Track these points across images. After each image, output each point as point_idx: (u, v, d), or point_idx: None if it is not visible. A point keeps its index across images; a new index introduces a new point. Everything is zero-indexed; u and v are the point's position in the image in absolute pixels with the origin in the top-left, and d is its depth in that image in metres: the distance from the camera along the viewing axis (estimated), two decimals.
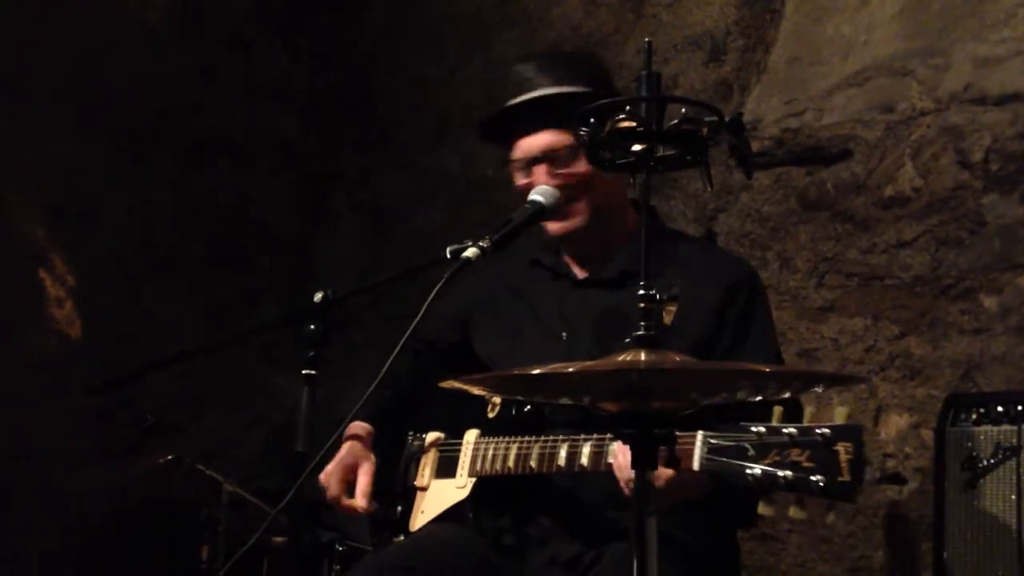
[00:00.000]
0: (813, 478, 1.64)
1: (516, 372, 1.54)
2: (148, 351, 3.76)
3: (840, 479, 1.62)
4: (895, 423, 2.99)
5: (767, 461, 1.69)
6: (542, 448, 2.09)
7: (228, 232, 4.24)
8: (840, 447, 1.63)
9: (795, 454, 1.66)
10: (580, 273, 2.30)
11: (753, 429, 1.72)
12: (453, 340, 2.44)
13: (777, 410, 1.73)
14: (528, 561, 2.16)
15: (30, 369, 3.68)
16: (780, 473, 1.67)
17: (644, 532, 1.48)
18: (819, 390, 1.63)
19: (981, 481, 2.41)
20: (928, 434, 2.84)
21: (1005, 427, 2.40)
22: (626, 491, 1.95)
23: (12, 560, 3.59)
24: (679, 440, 1.81)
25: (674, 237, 2.36)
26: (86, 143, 3.86)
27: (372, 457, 2.31)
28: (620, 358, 1.47)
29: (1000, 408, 2.43)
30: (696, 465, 1.80)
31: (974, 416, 2.46)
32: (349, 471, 2.27)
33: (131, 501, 3.75)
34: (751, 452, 1.71)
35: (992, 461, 2.40)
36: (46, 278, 3.78)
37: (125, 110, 3.97)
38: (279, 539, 3.17)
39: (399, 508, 2.37)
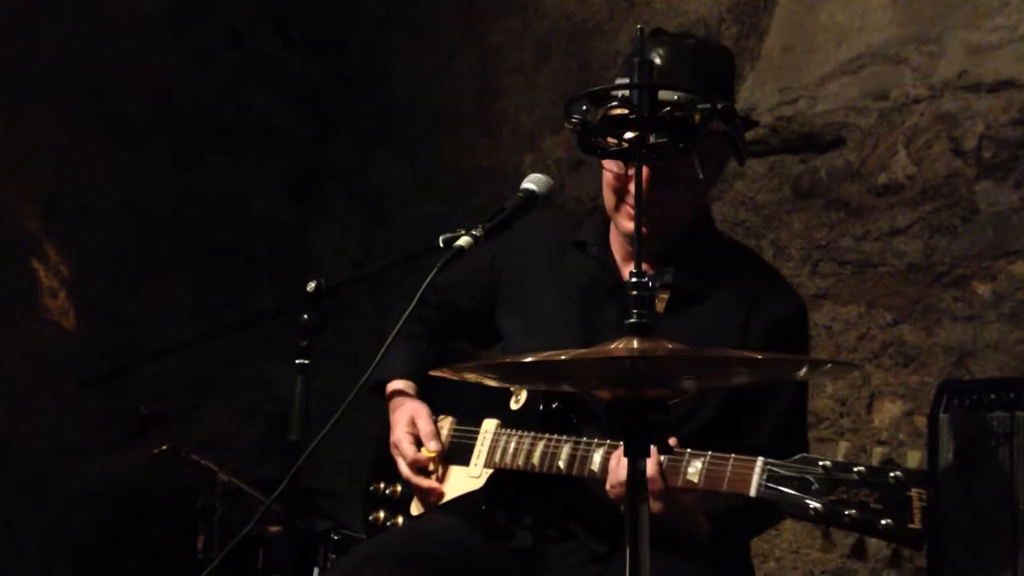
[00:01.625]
0: (882, 521, 1.60)
1: (509, 359, 1.54)
2: (144, 341, 3.77)
3: (911, 526, 1.58)
4: (888, 410, 3.00)
5: (832, 497, 1.64)
6: (573, 449, 2.01)
7: (224, 222, 4.24)
8: (914, 493, 1.59)
9: (863, 494, 1.62)
10: (626, 274, 2.13)
11: (820, 463, 1.67)
12: (474, 307, 2.34)
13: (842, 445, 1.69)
14: (548, 558, 2.10)
15: (25, 360, 3.68)
16: (845, 511, 1.62)
17: (637, 520, 1.47)
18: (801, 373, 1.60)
19: (974, 468, 2.41)
20: (921, 421, 2.85)
21: (998, 414, 2.40)
22: (610, 491, 1.92)
23: (8, 550, 3.60)
24: (737, 463, 1.79)
25: (727, 251, 2.23)
26: (80, 133, 3.86)
27: (422, 404, 2.27)
28: (612, 345, 1.47)
29: (993, 395, 2.43)
30: (753, 491, 1.76)
31: (967, 403, 2.46)
32: (411, 426, 2.23)
33: (127, 491, 3.75)
34: (815, 486, 1.66)
35: (985, 448, 2.41)
36: (39, 268, 3.78)
37: (119, 100, 3.96)
38: (274, 528, 3.17)
39: (400, 487, 2.30)
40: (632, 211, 2.05)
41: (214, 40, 4.29)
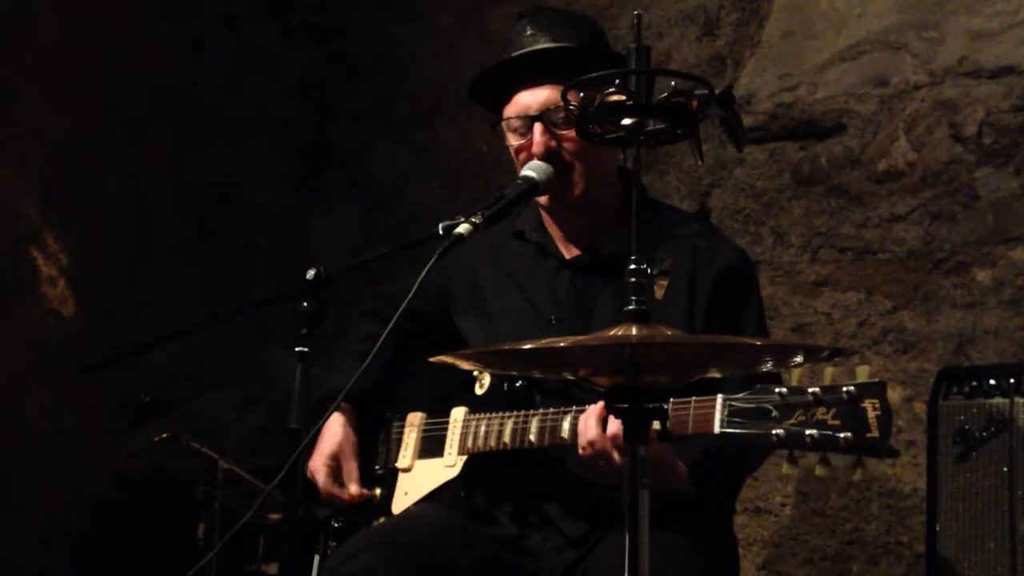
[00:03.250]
0: (841, 435, 1.64)
1: (507, 347, 1.54)
2: (143, 329, 3.76)
3: (869, 435, 1.63)
4: (888, 397, 3.00)
5: (791, 421, 1.68)
6: (542, 421, 2.05)
7: (223, 210, 4.23)
8: (867, 403, 1.64)
9: (820, 413, 1.66)
10: (567, 253, 2.23)
11: (776, 391, 1.72)
12: (431, 311, 2.35)
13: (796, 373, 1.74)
14: (528, 539, 2.12)
15: (25, 348, 3.68)
16: (807, 432, 1.66)
17: (637, 505, 1.48)
18: (799, 359, 1.62)
19: (973, 454, 2.42)
20: (921, 407, 2.85)
21: (997, 400, 2.41)
22: (582, 452, 1.95)
23: (9, 537, 3.61)
24: (698, 404, 1.83)
25: (661, 214, 2.26)
26: (78, 120, 3.85)
27: (353, 437, 2.30)
28: (612, 332, 1.47)
29: (992, 381, 2.43)
30: (717, 428, 1.79)
31: (967, 389, 2.46)
32: (333, 459, 2.27)
33: (128, 479, 3.76)
34: (774, 414, 1.70)
35: (984, 434, 2.41)
36: (38, 257, 3.77)
37: (117, 87, 3.96)
38: (275, 516, 3.18)
39: (378, 490, 2.33)
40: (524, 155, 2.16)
41: (212, 27, 4.28)
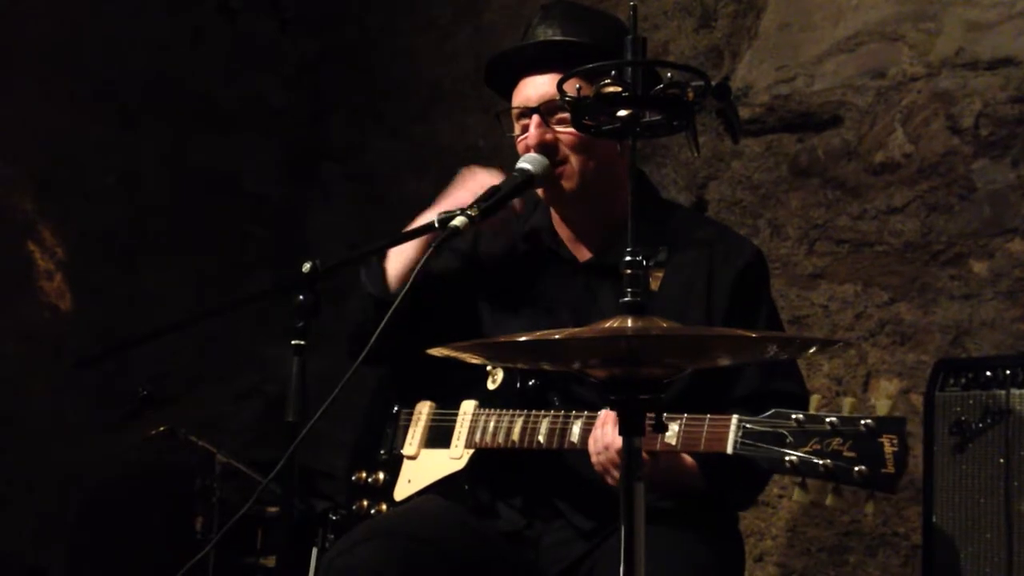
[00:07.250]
0: (856, 468, 1.64)
1: (503, 339, 1.54)
2: (140, 323, 3.76)
3: (884, 471, 1.63)
4: (885, 388, 3.01)
5: (806, 449, 1.69)
6: (552, 423, 2.03)
7: (219, 202, 4.23)
8: (885, 439, 1.64)
9: (836, 443, 1.66)
10: (581, 255, 2.20)
11: (792, 416, 1.72)
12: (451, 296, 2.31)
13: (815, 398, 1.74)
14: (533, 531, 2.12)
15: (22, 342, 3.68)
16: (819, 461, 1.67)
17: (632, 498, 1.48)
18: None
19: (970, 445, 2.42)
20: (918, 399, 2.85)
21: (994, 392, 2.41)
22: (597, 466, 1.94)
23: (6, 530, 3.61)
24: (712, 422, 1.82)
25: (672, 213, 2.24)
26: (74, 113, 3.85)
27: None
28: (607, 324, 1.47)
29: (989, 373, 2.43)
30: (730, 449, 1.79)
31: (963, 381, 2.46)
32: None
33: (125, 472, 3.76)
34: (789, 439, 1.70)
35: (980, 426, 2.41)
36: (35, 250, 3.77)
37: (113, 79, 3.95)
38: (273, 509, 3.18)
39: (382, 475, 2.32)
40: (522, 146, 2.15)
41: (210, 18, 4.27)
